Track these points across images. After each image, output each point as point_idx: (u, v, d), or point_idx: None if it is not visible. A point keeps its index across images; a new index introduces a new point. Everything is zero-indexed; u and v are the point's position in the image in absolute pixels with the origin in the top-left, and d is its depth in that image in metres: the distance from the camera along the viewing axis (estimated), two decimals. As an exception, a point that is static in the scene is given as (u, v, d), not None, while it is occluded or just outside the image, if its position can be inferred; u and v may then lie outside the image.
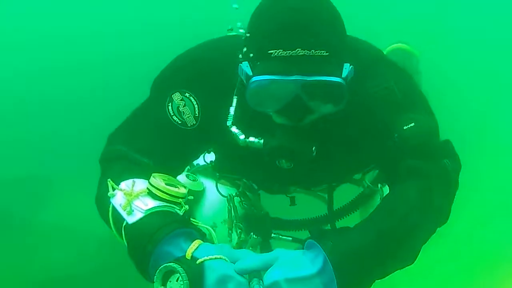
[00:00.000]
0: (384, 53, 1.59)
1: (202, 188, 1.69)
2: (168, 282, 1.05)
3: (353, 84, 1.31)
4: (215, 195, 1.67)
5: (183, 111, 1.41)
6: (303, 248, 1.16)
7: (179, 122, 1.41)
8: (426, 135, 1.32)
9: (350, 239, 1.14)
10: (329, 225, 1.71)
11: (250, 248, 1.66)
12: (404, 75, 1.43)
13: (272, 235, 1.73)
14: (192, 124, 1.42)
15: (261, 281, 1.07)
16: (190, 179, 1.66)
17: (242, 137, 1.30)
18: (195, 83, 1.42)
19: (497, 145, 4.28)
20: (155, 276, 1.05)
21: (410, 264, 1.23)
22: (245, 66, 1.22)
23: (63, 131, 3.77)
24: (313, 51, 1.13)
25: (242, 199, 1.69)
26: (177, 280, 1.04)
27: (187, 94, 1.41)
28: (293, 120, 1.23)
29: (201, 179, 1.73)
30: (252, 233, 1.67)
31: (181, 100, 1.41)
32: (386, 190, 1.64)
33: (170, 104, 1.42)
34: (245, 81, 1.23)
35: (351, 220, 1.81)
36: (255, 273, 1.10)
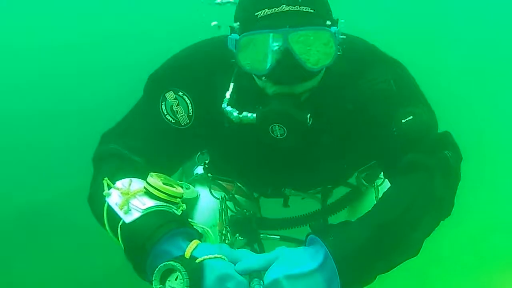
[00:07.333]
0: None
1: (195, 195, 1.67)
2: (167, 281, 1.05)
3: (351, 76, 1.34)
4: (207, 202, 1.66)
5: (177, 110, 1.42)
6: (304, 245, 1.16)
7: (173, 121, 1.42)
8: (425, 127, 1.33)
9: (352, 233, 1.13)
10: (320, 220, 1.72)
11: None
12: (401, 69, 1.44)
13: (260, 235, 1.74)
14: (185, 123, 1.42)
15: (261, 281, 1.08)
16: (183, 188, 1.65)
17: (235, 113, 1.30)
18: (189, 81, 1.42)
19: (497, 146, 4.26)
20: (153, 275, 1.05)
21: (413, 257, 1.23)
22: (234, 35, 1.24)
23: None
24: (298, 7, 1.18)
25: (233, 203, 1.70)
26: (176, 279, 1.03)
27: (180, 93, 1.42)
28: (286, 80, 1.23)
29: (197, 187, 1.72)
30: (237, 235, 1.68)
31: (174, 99, 1.42)
32: (382, 189, 1.65)
33: (163, 103, 1.42)
34: (234, 48, 1.24)
35: (339, 218, 1.84)
36: (256, 273, 1.10)
